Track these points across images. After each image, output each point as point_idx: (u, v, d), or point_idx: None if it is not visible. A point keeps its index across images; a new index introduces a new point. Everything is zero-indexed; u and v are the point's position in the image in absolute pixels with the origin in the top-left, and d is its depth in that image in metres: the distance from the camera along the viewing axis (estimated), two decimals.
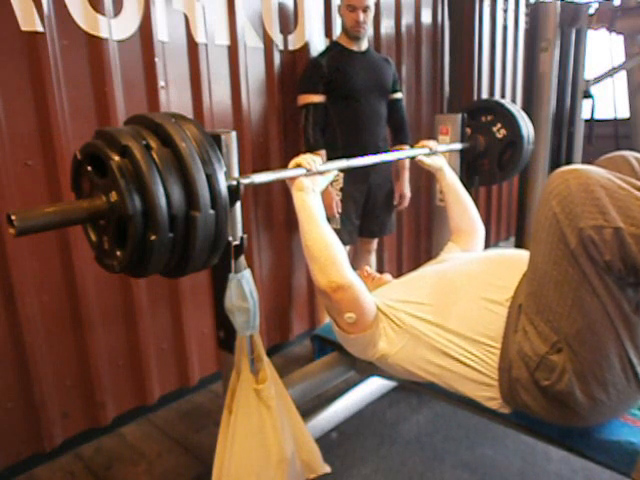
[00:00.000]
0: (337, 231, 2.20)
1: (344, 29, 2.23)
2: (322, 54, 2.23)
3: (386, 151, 2.24)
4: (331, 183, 2.15)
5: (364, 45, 2.29)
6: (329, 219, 2.18)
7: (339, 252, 1.26)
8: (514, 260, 1.27)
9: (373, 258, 2.63)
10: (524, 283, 1.13)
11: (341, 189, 2.28)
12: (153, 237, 0.92)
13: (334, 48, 2.25)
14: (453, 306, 1.23)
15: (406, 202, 2.55)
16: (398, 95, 2.42)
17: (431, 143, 1.81)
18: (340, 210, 2.26)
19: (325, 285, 1.22)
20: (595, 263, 0.93)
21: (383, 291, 1.40)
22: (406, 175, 2.51)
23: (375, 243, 2.59)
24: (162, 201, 0.91)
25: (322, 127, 2.20)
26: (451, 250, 1.66)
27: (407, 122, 2.48)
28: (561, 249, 0.96)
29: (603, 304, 0.95)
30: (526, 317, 1.07)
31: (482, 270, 1.29)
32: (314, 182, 1.32)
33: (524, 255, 1.30)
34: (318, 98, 2.17)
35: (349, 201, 2.29)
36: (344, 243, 2.25)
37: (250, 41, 2.17)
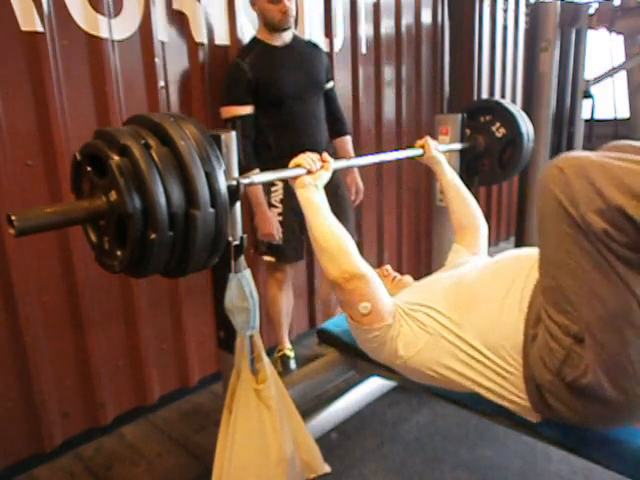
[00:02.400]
0: (280, 247, 2.09)
1: (266, 24, 1.94)
2: (243, 56, 1.93)
3: (330, 152, 1.99)
4: (270, 195, 2.02)
5: (288, 36, 2.01)
6: (271, 242, 2.07)
7: (348, 242, 1.24)
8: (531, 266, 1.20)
9: None
10: (538, 284, 1.09)
11: (281, 200, 2.05)
12: (153, 235, 0.92)
13: (255, 47, 1.96)
14: (471, 315, 1.18)
15: (361, 195, 2.32)
16: (331, 84, 2.18)
17: (428, 140, 1.79)
18: (281, 235, 2.06)
19: (337, 275, 1.20)
20: (609, 248, 0.89)
21: (403, 295, 1.37)
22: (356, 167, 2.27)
23: None
24: (162, 199, 0.91)
25: (253, 140, 1.97)
26: (459, 252, 1.60)
27: (342, 111, 2.26)
28: (571, 235, 0.93)
29: (626, 285, 0.90)
30: (546, 314, 1.04)
31: (500, 277, 1.23)
32: (316, 178, 1.32)
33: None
34: (245, 110, 1.91)
35: (290, 213, 2.04)
36: (287, 261, 2.16)
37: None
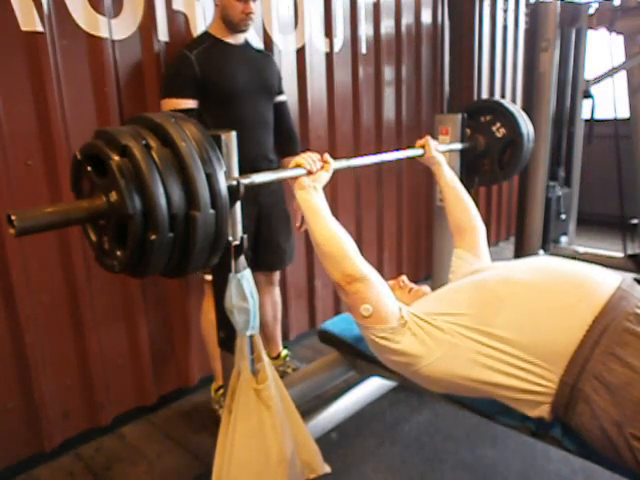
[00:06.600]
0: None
1: (224, 20, 1.82)
2: (190, 48, 1.79)
3: (277, 163, 2.01)
4: None
5: (242, 38, 1.91)
6: None
7: (350, 245, 1.23)
8: (576, 275, 1.18)
9: (277, 291, 2.26)
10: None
11: None
12: (153, 237, 0.92)
13: (206, 40, 1.83)
14: (499, 314, 1.15)
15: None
16: (283, 97, 2.06)
17: (429, 140, 1.78)
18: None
19: (340, 279, 1.20)
20: None
21: (421, 306, 1.32)
22: None
23: (277, 275, 2.23)
24: (162, 201, 0.91)
25: None
26: (463, 257, 1.57)
27: (295, 129, 2.16)
28: None
29: None
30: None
31: (540, 281, 1.20)
32: (315, 179, 1.31)
33: (583, 271, 1.20)
34: (187, 103, 1.76)
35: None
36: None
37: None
